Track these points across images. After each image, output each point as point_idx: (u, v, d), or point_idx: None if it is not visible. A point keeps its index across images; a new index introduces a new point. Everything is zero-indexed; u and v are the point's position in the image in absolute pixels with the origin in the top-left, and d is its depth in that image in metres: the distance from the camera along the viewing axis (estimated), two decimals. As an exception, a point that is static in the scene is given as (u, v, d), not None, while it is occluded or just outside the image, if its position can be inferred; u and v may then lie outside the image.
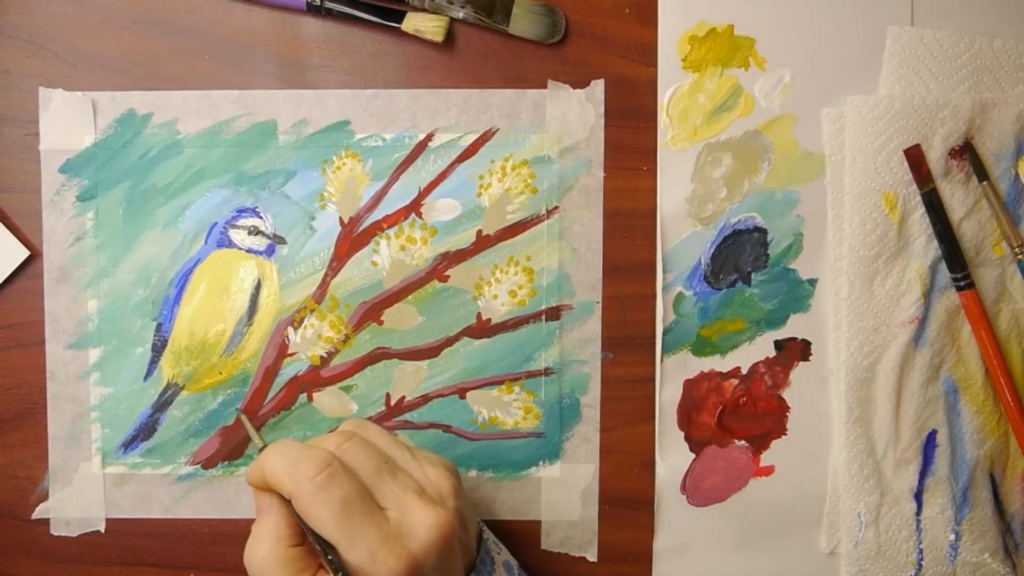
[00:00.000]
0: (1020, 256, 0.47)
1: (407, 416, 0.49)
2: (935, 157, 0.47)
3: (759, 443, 0.49)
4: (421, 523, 0.36)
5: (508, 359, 0.48)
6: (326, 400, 0.48)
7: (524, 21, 0.47)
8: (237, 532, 0.49)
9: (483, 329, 0.48)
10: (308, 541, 0.37)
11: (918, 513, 0.48)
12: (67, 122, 0.47)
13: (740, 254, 0.48)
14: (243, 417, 0.41)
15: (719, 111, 0.48)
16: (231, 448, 0.48)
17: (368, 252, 0.48)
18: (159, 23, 0.47)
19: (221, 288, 0.48)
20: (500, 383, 0.49)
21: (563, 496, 0.49)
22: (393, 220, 0.48)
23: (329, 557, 0.35)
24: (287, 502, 0.37)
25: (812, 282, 0.49)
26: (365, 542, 0.35)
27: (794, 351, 0.49)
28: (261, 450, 0.39)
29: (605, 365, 0.49)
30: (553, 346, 0.48)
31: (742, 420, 0.49)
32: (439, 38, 0.47)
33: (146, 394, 0.48)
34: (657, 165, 0.48)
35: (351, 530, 0.35)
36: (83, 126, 0.47)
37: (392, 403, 0.49)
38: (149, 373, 0.48)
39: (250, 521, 0.48)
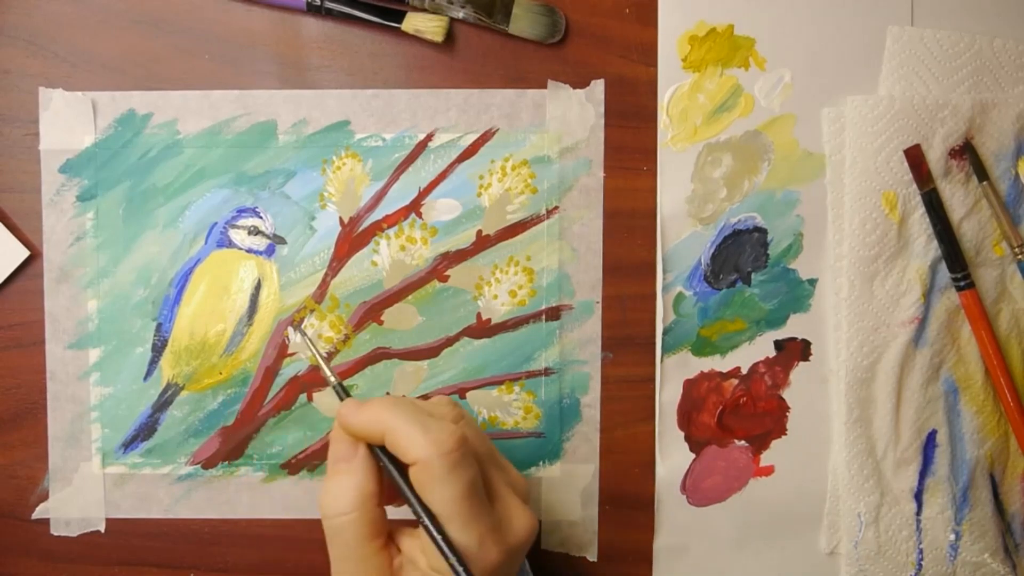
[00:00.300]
0: (1020, 256, 0.47)
1: (407, 416, 0.48)
2: (935, 157, 0.47)
3: (759, 443, 0.49)
4: (521, 523, 0.36)
5: (508, 359, 0.48)
6: (326, 400, 0.48)
7: (524, 21, 0.47)
8: (237, 532, 0.49)
9: (483, 329, 0.48)
10: (384, 503, 0.36)
11: (918, 513, 0.48)
12: (67, 122, 0.47)
13: (740, 254, 0.48)
14: (301, 333, 0.39)
15: (719, 111, 0.48)
16: (231, 448, 0.48)
17: (368, 252, 0.48)
18: (159, 23, 0.47)
19: (221, 288, 0.48)
20: (500, 383, 0.49)
21: (563, 496, 0.49)
22: (393, 220, 0.48)
23: (440, 539, 0.34)
24: (375, 457, 0.36)
25: (812, 282, 0.49)
26: (479, 527, 0.34)
27: (794, 351, 0.49)
28: (336, 387, 0.38)
29: (605, 365, 0.49)
30: (553, 346, 0.48)
31: (742, 420, 0.49)
32: (439, 38, 0.47)
33: (146, 394, 0.48)
34: (657, 165, 0.48)
35: (470, 513, 0.34)
36: (83, 126, 0.47)
37: (392, 403, 0.48)
38: (149, 373, 0.48)
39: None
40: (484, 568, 0.34)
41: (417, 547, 0.36)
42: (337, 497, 0.35)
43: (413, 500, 0.35)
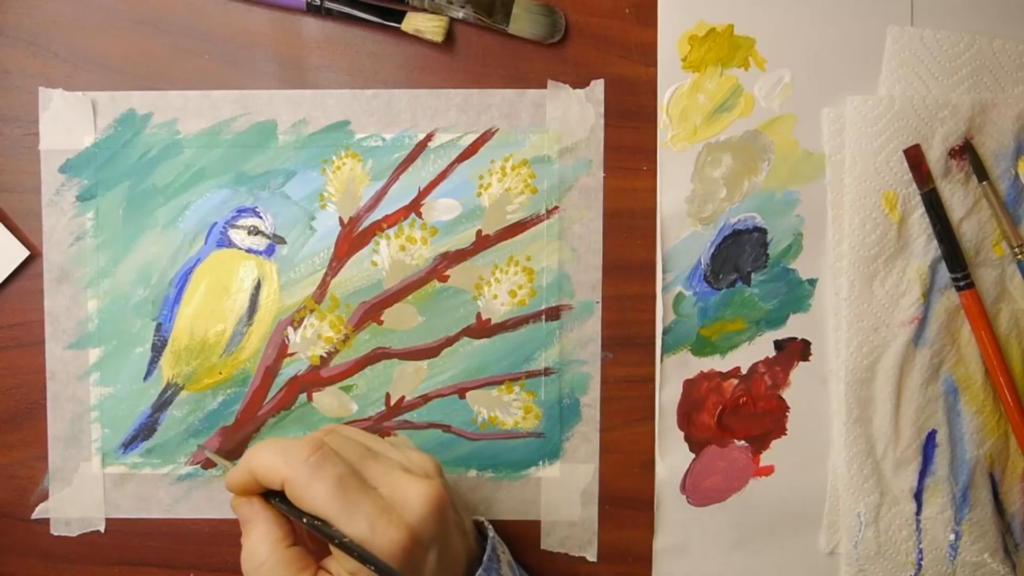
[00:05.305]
0: (1020, 256, 0.47)
1: (407, 416, 0.49)
2: (935, 157, 0.47)
3: (759, 443, 0.49)
4: (413, 495, 0.37)
5: (508, 359, 0.48)
6: (326, 400, 0.49)
7: (524, 21, 0.47)
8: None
9: (483, 329, 0.48)
10: (301, 540, 0.38)
11: (918, 513, 0.48)
12: (67, 122, 0.47)
13: (740, 254, 0.48)
14: (208, 452, 0.45)
15: (719, 111, 0.48)
16: (231, 448, 0.48)
17: (368, 252, 0.48)
18: (159, 23, 0.47)
19: (221, 288, 0.48)
20: (500, 383, 0.49)
21: (563, 496, 0.49)
22: (393, 220, 0.48)
23: (337, 541, 0.35)
24: (270, 504, 0.38)
25: (812, 282, 0.49)
26: (364, 514, 0.35)
27: (794, 351, 0.49)
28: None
29: (605, 365, 0.49)
30: (553, 346, 0.48)
31: (742, 420, 0.49)
32: (439, 38, 0.47)
33: (146, 394, 0.48)
34: (657, 165, 0.48)
35: (349, 504, 0.35)
36: (83, 126, 0.47)
37: (392, 403, 0.49)
38: (149, 373, 0.48)
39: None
40: (389, 549, 0.35)
41: (340, 567, 0.37)
42: (251, 551, 0.38)
43: (304, 517, 0.36)
